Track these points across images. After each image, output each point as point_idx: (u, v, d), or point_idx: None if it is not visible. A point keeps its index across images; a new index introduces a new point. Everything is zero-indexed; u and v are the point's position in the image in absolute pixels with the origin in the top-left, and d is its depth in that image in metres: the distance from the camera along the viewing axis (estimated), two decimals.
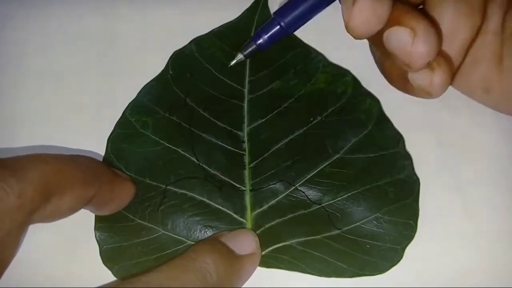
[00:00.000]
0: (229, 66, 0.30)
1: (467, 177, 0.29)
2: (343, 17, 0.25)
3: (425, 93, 0.27)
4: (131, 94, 0.31)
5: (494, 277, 0.26)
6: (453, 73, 0.27)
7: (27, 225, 0.22)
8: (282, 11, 0.28)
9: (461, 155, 0.29)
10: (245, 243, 0.26)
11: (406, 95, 0.29)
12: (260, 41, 0.29)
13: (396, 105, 0.30)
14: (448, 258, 0.27)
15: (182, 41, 0.33)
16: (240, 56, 0.30)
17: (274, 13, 0.28)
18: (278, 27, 0.28)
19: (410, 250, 0.26)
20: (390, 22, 0.25)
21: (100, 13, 0.34)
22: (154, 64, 0.32)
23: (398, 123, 0.30)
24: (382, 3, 0.24)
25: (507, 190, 0.28)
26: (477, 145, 0.30)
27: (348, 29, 0.25)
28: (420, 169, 0.29)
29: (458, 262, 0.27)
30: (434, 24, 0.26)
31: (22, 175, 0.21)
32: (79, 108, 0.31)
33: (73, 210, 0.24)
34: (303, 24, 0.28)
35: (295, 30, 0.29)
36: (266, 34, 0.29)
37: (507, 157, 0.29)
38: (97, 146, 0.29)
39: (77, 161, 0.25)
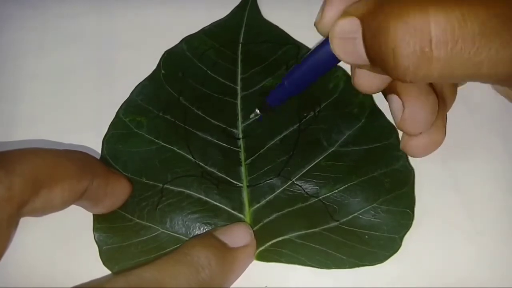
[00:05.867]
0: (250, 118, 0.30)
1: (463, 170, 0.29)
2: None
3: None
4: (127, 94, 0.31)
5: (491, 263, 0.27)
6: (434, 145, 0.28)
7: (17, 218, 0.21)
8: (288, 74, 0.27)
9: (457, 149, 0.30)
10: (238, 235, 0.26)
11: None
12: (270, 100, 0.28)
13: None
14: (446, 247, 0.27)
15: (174, 41, 0.33)
16: (257, 112, 0.28)
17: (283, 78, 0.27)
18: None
19: (408, 239, 0.27)
20: (391, 88, 0.26)
21: (95, 14, 0.34)
22: (148, 64, 0.32)
23: None
24: (378, 76, 0.25)
25: (501, 182, 0.29)
26: (473, 140, 0.30)
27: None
28: (417, 161, 0.29)
29: (455, 250, 0.27)
30: (428, 100, 0.26)
31: (11, 168, 0.21)
32: (76, 108, 0.31)
33: (65, 203, 0.23)
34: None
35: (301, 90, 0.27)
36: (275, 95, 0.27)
37: (502, 150, 0.30)
38: (94, 147, 0.29)
39: (69, 155, 0.24)
